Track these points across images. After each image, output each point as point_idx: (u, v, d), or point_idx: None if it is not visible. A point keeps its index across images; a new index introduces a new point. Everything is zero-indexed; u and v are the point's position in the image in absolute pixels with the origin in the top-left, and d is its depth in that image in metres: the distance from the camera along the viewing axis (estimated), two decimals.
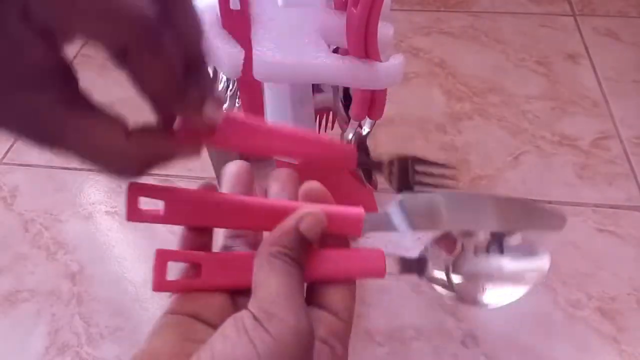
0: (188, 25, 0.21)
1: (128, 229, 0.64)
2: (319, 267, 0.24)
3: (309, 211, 0.24)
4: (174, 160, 0.24)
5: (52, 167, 0.72)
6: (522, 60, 0.83)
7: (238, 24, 0.40)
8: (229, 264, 0.25)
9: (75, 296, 0.58)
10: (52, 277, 0.60)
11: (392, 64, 0.39)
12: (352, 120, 0.47)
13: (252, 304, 0.21)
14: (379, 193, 0.64)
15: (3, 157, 0.74)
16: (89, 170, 0.71)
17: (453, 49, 0.86)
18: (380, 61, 0.39)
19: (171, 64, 0.20)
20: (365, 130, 0.48)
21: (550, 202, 0.63)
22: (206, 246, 0.27)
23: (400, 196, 0.27)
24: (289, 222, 0.23)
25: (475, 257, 0.27)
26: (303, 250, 0.23)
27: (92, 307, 0.57)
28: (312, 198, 0.25)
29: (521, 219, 0.27)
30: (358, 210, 0.25)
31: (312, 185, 0.26)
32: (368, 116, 0.46)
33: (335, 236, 0.25)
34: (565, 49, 0.84)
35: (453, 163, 0.28)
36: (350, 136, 0.48)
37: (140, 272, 0.59)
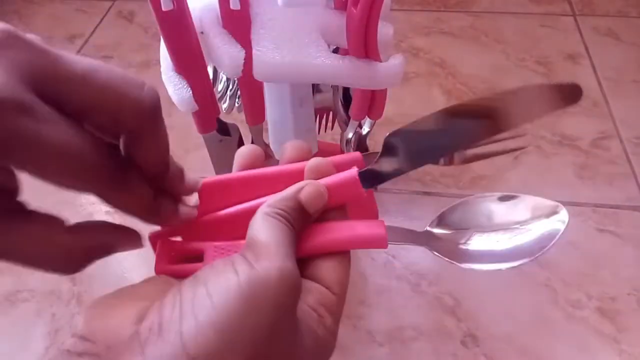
0: (154, 151, 0.22)
1: None
2: (318, 238, 0.24)
3: (311, 182, 0.24)
4: (117, 251, 0.24)
5: None
6: (522, 60, 0.83)
7: (238, 24, 0.40)
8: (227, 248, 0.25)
9: (75, 296, 0.58)
10: (52, 277, 0.60)
11: (392, 64, 0.39)
12: (351, 120, 0.47)
13: (243, 250, 0.21)
14: (378, 193, 0.64)
15: None
16: None
17: (453, 49, 0.86)
18: (380, 61, 0.39)
19: (140, 197, 0.22)
20: (365, 129, 0.48)
21: None
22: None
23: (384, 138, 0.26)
24: (289, 190, 0.24)
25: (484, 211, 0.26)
26: (299, 217, 0.23)
27: None
28: (316, 174, 0.25)
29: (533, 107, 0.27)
30: (352, 173, 0.25)
31: (318, 161, 0.26)
32: (368, 116, 0.46)
33: (338, 208, 0.25)
34: (565, 49, 0.84)
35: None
36: (350, 135, 0.48)
37: (140, 272, 0.59)
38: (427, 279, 0.57)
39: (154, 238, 0.27)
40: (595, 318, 0.53)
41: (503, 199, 0.27)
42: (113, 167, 0.20)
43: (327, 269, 0.23)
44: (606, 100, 0.76)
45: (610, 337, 0.52)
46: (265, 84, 0.45)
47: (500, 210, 0.27)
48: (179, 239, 0.26)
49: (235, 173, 0.26)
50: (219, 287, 0.19)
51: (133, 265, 0.60)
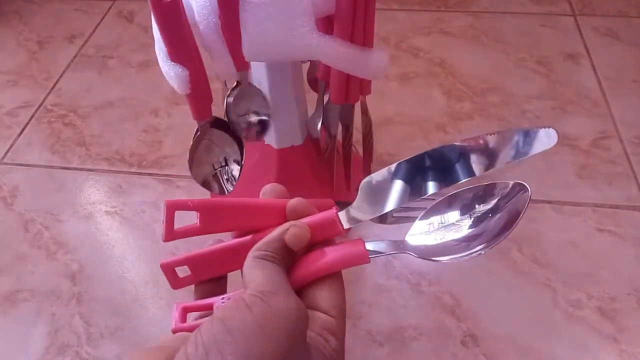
0: None
1: (128, 229, 0.64)
2: (305, 267, 0.26)
3: (294, 223, 0.26)
4: None
5: (52, 167, 0.72)
6: (522, 60, 0.83)
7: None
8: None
9: (75, 296, 0.58)
10: (52, 277, 0.60)
11: (381, 53, 0.40)
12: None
13: (246, 290, 0.23)
14: None
15: (3, 157, 0.74)
16: (89, 170, 0.71)
17: (453, 49, 0.86)
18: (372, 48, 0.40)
19: None
20: None
21: (550, 202, 0.63)
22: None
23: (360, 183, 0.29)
24: (274, 232, 0.26)
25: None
26: (286, 256, 0.26)
27: (92, 307, 0.57)
28: (295, 213, 0.28)
29: (514, 148, 0.29)
30: (331, 213, 0.27)
31: (296, 201, 0.28)
32: (346, 99, 0.47)
33: (321, 241, 0.28)
34: (565, 49, 0.84)
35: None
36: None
37: (140, 272, 0.59)
38: (427, 278, 0.57)
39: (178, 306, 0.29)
40: (595, 318, 0.53)
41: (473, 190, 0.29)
42: None
43: (321, 296, 0.26)
44: (606, 100, 0.76)
45: (610, 337, 0.52)
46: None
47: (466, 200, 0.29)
48: (191, 301, 0.29)
49: (233, 198, 0.29)
50: (237, 323, 0.21)
51: (133, 265, 0.60)
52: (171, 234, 0.27)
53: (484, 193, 0.28)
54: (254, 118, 0.51)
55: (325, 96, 0.50)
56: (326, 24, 0.41)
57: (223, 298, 0.27)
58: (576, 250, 0.59)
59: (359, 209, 0.28)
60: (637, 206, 0.63)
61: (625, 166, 0.67)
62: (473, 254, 0.26)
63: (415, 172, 0.29)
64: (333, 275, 0.26)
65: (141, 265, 0.60)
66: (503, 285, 0.56)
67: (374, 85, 0.50)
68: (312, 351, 0.23)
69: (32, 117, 0.80)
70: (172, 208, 0.27)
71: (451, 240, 0.27)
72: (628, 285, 0.55)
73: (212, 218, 0.28)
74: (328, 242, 0.28)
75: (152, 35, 0.41)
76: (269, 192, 0.29)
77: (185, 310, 0.27)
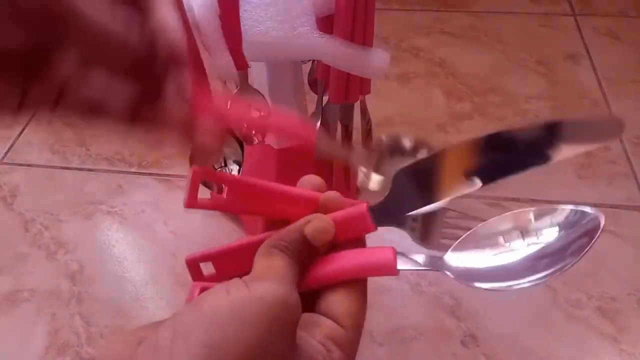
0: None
1: (128, 229, 0.64)
2: (324, 268, 0.24)
3: (317, 216, 0.24)
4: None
5: (52, 167, 0.72)
6: (522, 60, 0.83)
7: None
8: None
9: (75, 296, 0.58)
10: (52, 277, 0.60)
11: (382, 52, 0.40)
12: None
13: (246, 276, 0.22)
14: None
15: (3, 157, 0.74)
16: (89, 170, 0.71)
17: (453, 49, 0.86)
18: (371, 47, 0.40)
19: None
20: None
21: (550, 202, 0.63)
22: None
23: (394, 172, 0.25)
24: (295, 223, 0.24)
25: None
26: (303, 250, 0.23)
27: (92, 307, 0.57)
28: (329, 209, 0.26)
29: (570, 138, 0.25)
30: (361, 208, 0.25)
31: (331, 195, 0.26)
32: (345, 99, 0.47)
33: (350, 240, 0.25)
34: (565, 49, 0.84)
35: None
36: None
37: (140, 272, 0.59)
38: (427, 279, 0.57)
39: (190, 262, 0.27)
40: (595, 318, 0.53)
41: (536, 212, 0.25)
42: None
43: (334, 302, 0.23)
44: (606, 100, 0.76)
45: (610, 337, 0.52)
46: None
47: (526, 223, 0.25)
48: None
49: (265, 181, 0.27)
50: (210, 307, 0.19)
51: (133, 265, 0.60)
52: (193, 202, 0.24)
53: (548, 215, 0.25)
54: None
55: (324, 96, 0.50)
56: (326, 24, 0.41)
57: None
58: None
59: (395, 201, 0.24)
60: (637, 206, 0.63)
61: (625, 166, 0.67)
62: (527, 284, 0.23)
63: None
64: (354, 282, 0.24)
65: (141, 265, 0.60)
66: None
67: (374, 85, 0.50)
68: (304, 356, 0.20)
69: (32, 117, 0.80)
70: (199, 175, 0.25)
71: (502, 265, 0.24)
72: (628, 285, 0.55)
73: (240, 194, 0.26)
74: (358, 241, 0.25)
75: None
76: (305, 183, 0.27)
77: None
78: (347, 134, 0.52)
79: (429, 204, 0.25)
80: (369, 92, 0.49)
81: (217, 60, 0.43)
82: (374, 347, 0.52)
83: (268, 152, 0.58)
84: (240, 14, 0.39)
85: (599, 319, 0.53)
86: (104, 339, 0.22)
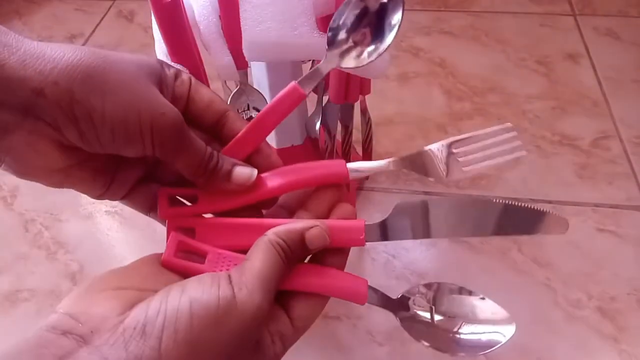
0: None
1: (128, 229, 0.64)
2: (305, 278, 0.26)
3: (319, 223, 0.27)
4: None
5: None
6: (522, 60, 0.83)
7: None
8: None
9: None
10: (52, 277, 0.60)
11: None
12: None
13: (236, 270, 0.24)
14: (378, 192, 0.64)
15: None
16: None
17: (453, 49, 0.86)
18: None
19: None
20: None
21: (550, 202, 0.63)
22: None
23: (396, 203, 0.29)
24: (299, 224, 0.26)
25: (454, 299, 0.31)
26: (300, 251, 0.26)
27: None
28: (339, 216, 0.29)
29: (522, 225, 0.29)
30: (359, 223, 0.28)
31: (347, 208, 0.30)
32: (345, 99, 0.47)
33: (337, 249, 0.28)
34: (565, 49, 0.84)
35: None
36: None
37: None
38: (427, 278, 0.56)
39: (169, 226, 0.29)
40: (595, 318, 0.53)
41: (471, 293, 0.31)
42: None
43: (301, 306, 0.26)
44: (606, 100, 0.76)
45: (610, 337, 0.52)
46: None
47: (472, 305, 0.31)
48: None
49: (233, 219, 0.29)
50: (201, 307, 0.22)
51: None
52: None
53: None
54: (254, 114, 0.51)
55: (324, 96, 0.50)
56: (326, 24, 0.41)
57: (220, 254, 0.27)
58: (576, 250, 0.59)
59: (391, 226, 0.28)
60: (637, 206, 0.63)
61: (625, 166, 0.67)
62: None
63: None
64: (322, 296, 0.27)
65: None
66: (503, 285, 0.56)
67: (374, 85, 0.50)
68: (259, 348, 0.24)
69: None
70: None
71: (444, 330, 0.28)
72: (628, 285, 0.55)
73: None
74: (343, 251, 0.28)
75: (152, 35, 0.41)
76: (339, 212, 0.29)
77: (180, 244, 0.27)
78: (347, 134, 0.52)
79: (416, 238, 0.29)
80: (369, 92, 0.49)
81: (217, 60, 0.43)
82: (374, 347, 0.52)
83: None
84: (240, 14, 0.39)
85: (599, 319, 0.53)
86: (77, 289, 0.24)
